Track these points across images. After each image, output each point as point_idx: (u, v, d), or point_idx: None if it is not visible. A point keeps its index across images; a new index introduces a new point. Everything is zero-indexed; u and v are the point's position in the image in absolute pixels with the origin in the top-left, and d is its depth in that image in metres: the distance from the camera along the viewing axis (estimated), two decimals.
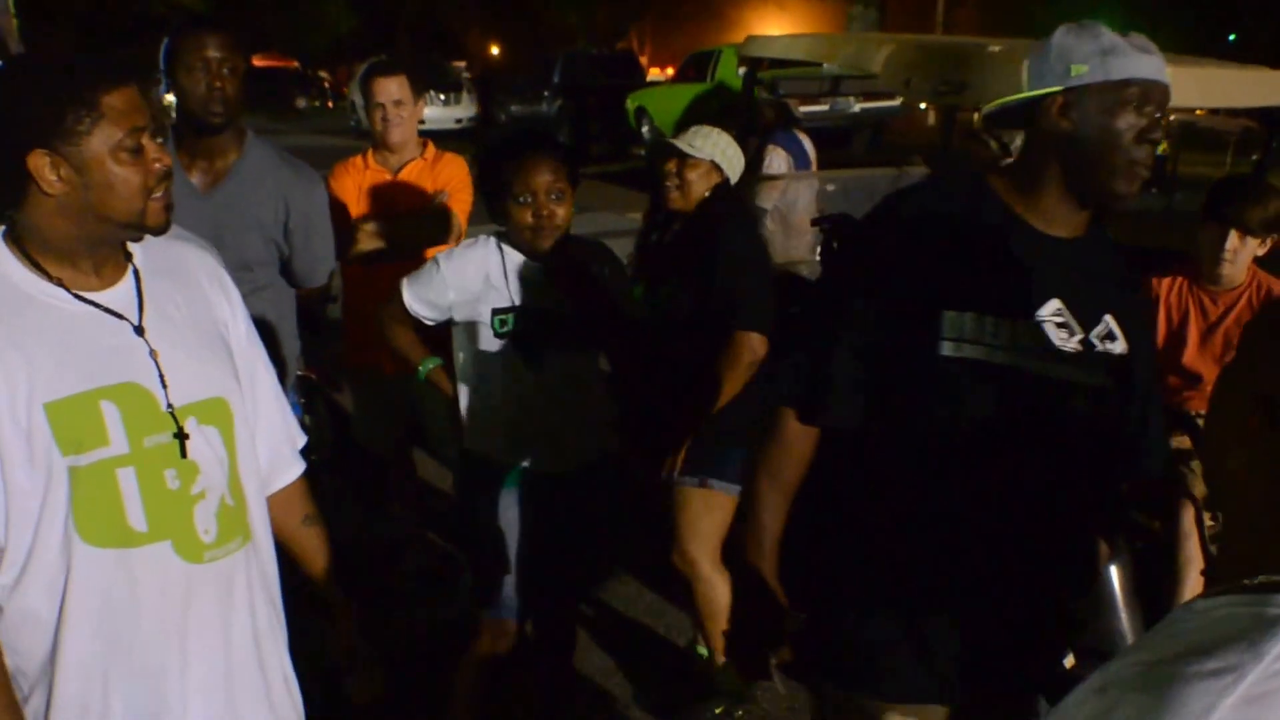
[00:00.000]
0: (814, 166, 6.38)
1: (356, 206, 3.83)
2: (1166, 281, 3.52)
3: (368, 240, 3.74)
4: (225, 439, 1.78)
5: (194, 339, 1.76)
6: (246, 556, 1.81)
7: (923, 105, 15.30)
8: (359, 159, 3.95)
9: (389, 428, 4.08)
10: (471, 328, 2.78)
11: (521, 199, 2.64)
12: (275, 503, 1.94)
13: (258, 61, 33.14)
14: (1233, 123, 13.72)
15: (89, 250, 1.66)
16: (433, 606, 3.98)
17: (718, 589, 3.20)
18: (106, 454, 1.63)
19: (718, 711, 3.33)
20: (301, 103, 34.27)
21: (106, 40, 28.07)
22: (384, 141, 3.86)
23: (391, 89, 3.79)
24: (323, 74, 38.98)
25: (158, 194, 1.65)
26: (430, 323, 2.88)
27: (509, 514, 2.83)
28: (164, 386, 1.68)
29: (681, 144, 3.23)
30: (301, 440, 2.04)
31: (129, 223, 1.64)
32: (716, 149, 3.25)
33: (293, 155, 3.27)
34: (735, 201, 3.40)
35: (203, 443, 1.73)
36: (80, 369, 1.62)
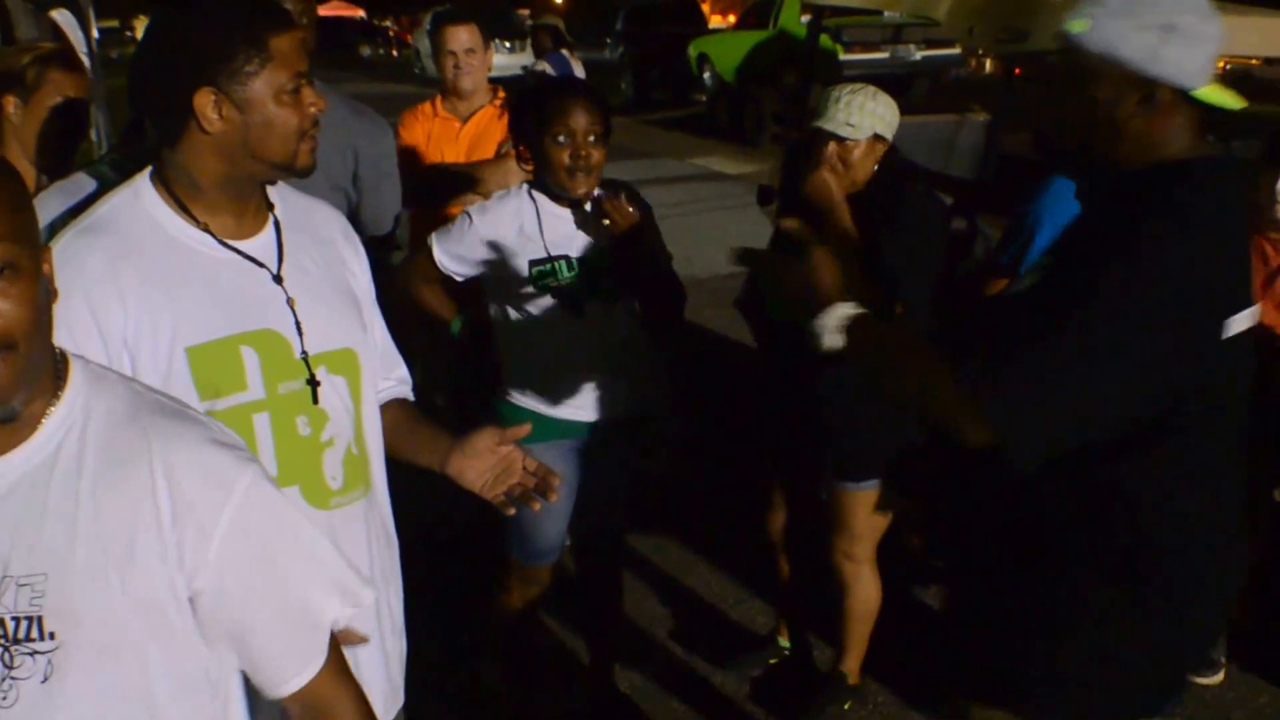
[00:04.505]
0: None
1: (426, 154, 3.89)
2: None
3: (436, 188, 3.79)
4: (352, 389, 1.80)
5: (327, 290, 1.79)
6: (368, 505, 1.86)
7: (979, 51, 15.01)
8: (428, 106, 4.00)
9: (450, 377, 4.08)
10: (507, 281, 2.73)
11: (560, 139, 2.61)
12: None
13: (322, 11, 33.20)
14: None
15: (235, 193, 1.67)
16: (481, 560, 3.89)
17: (875, 592, 3.17)
18: (244, 399, 1.65)
19: (845, 708, 3.26)
20: (366, 51, 34.45)
21: None
22: (455, 89, 3.91)
23: (463, 37, 3.84)
24: (387, 22, 39.09)
25: (309, 137, 1.69)
26: (460, 279, 2.84)
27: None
28: (299, 334, 1.71)
29: (836, 127, 2.84)
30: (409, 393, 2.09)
31: (281, 163, 1.66)
32: (875, 118, 2.86)
33: (361, 103, 3.28)
34: (905, 175, 3.01)
35: (332, 391, 1.75)
36: (224, 314, 1.64)
